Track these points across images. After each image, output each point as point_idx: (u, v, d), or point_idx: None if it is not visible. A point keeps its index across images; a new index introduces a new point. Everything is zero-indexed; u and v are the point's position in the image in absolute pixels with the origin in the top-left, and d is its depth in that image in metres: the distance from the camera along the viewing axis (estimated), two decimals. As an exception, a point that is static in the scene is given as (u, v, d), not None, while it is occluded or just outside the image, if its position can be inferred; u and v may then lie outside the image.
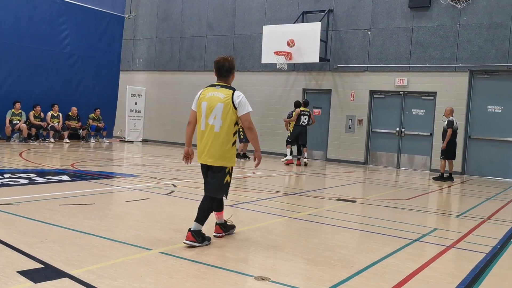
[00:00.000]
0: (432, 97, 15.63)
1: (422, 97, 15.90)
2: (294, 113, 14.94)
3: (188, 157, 5.22)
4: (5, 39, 16.86)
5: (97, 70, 19.97)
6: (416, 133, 15.97)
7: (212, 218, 5.20)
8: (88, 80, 19.66)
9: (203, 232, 4.90)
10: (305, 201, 8.32)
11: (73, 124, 18.61)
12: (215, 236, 5.22)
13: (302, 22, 17.32)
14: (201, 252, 4.63)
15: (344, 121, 16.96)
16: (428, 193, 10.80)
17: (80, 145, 17.74)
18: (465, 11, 14.99)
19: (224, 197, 5.21)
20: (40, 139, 17.52)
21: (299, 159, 15.03)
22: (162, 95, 21.42)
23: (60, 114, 18.02)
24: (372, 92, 16.65)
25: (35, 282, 3.56)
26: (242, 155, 15.38)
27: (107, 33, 20.33)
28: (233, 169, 5.21)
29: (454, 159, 13.04)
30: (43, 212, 5.99)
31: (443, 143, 12.77)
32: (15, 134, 16.97)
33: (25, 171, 9.83)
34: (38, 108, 17.36)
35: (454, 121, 12.74)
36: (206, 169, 5.06)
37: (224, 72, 5.04)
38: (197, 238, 4.79)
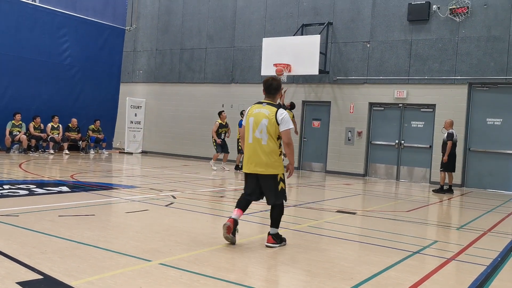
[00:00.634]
0: (431, 110, 15.68)
1: (421, 110, 15.94)
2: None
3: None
4: (6, 50, 16.93)
5: (97, 81, 20.03)
6: (416, 145, 15.99)
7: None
8: (88, 91, 19.70)
9: (279, 234, 5.57)
10: (305, 213, 8.31)
11: (73, 135, 18.62)
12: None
13: (302, 34, 17.42)
14: (200, 264, 4.61)
15: (344, 133, 16.98)
16: (428, 205, 10.78)
17: (79, 156, 17.74)
18: (464, 24, 15.10)
19: (284, 201, 5.65)
20: (40, 150, 17.52)
21: None
22: (162, 107, 21.46)
23: (60, 125, 18.04)
24: (371, 104, 16.69)
25: (35, 293, 3.55)
26: (240, 167, 15.37)
27: (107, 45, 20.42)
28: (284, 177, 5.60)
29: (454, 172, 13.04)
30: (43, 223, 5.98)
31: (443, 155, 12.78)
32: (15, 145, 16.98)
33: (24, 182, 9.82)
34: (38, 120, 17.39)
35: (454, 134, 12.76)
36: (256, 179, 5.56)
37: (272, 90, 5.60)
38: (276, 240, 5.51)
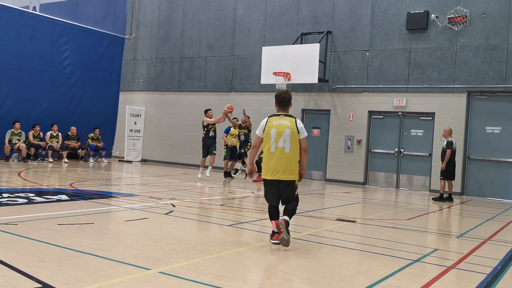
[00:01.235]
0: (431, 118, 15.70)
1: (421, 118, 15.96)
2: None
3: (252, 173, 6.27)
4: (6, 59, 16.98)
5: (97, 90, 20.06)
6: (415, 153, 15.99)
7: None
8: (87, 100, 19.74)
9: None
10: (304, 221, 8.28)
11: (72, 144, 18.62)
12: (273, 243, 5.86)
13: (301, 43, 17.48)
14: (200, 272, 4.59)
15: (343, 141, 16.99)
16: (428, 213, 10.76)
17: (79, 164, 17.72)
18: (462, 33, 15.16)
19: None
20: (39, 158, 17.50)
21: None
22: (162, 115, 21.48)
23: (59, 133, 18.04)
24: (371, 113, 16.71)
25: (33, 302, 3.53)
26: (229, 173, 15.14)
27: (107, 54, 20.47)
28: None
29: (454, 180, 13.03)
30: (42, 231, 5.96)
31: (442, 163, 12.79)
32: (14, 154, 16.96)
33: (23, 190, 9.80)
34: (38, 128, 17.39)
35: (453, 142, 12.77)
36: (276, 184, 5.94)
37: (286, 103, 6.19)
38: (287, 224, 5.82)
